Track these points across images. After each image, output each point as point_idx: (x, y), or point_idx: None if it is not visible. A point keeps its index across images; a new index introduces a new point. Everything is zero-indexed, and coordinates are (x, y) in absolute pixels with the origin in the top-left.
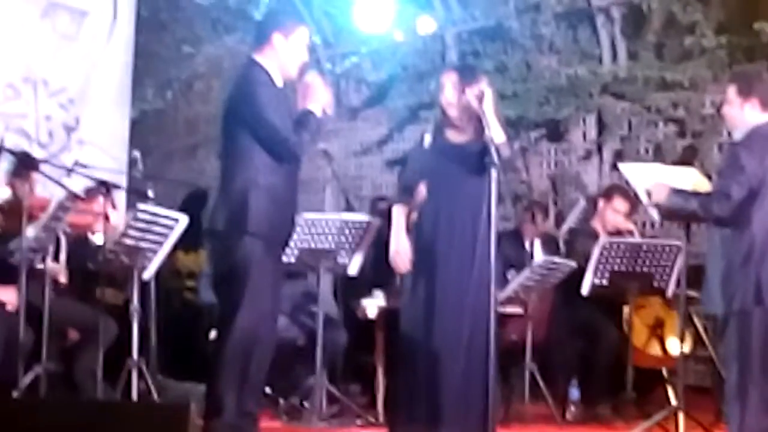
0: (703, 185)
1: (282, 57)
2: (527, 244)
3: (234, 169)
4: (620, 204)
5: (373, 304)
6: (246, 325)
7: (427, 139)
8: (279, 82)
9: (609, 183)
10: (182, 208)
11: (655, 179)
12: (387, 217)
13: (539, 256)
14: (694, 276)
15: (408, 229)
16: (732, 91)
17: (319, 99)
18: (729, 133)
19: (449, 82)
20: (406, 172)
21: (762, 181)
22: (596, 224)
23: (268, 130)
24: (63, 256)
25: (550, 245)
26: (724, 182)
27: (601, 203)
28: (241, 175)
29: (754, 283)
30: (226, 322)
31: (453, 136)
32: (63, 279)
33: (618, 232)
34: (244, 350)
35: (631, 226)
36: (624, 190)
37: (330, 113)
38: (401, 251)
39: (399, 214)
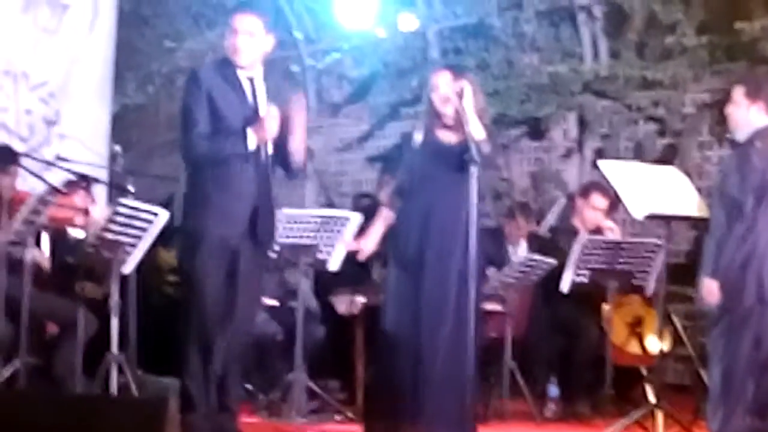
0: (683, 184)
1: (231, 49)
2: (511, 244)
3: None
4: (598, 201)
5: (346, 301)
6: (203, 321)
7: (418, 137)
8: (243, 75)
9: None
10: (165, 206)
11: (636, 178)
12: (369, 213)
13: (521, 253)
14: (675, 274)
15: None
16: (739, 92)
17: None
18: (710, 133)
19: (443, 79)
20: (400, 174)
21: (766, 181)
22: (576, 222)
23: (183, 124)
24: (45, 248)
25: (533, 243)
26: (738, 191)
27: (579, 201)
28: (196, 172)
29: (756, 282)
30: (187, 319)
31: (444, 136)
32: (46, 265)
33: (599, 230)
34: (205, 346)
35: (611, 224)
36: (602, 186)
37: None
38: (371, 240)
39: (383, 217)
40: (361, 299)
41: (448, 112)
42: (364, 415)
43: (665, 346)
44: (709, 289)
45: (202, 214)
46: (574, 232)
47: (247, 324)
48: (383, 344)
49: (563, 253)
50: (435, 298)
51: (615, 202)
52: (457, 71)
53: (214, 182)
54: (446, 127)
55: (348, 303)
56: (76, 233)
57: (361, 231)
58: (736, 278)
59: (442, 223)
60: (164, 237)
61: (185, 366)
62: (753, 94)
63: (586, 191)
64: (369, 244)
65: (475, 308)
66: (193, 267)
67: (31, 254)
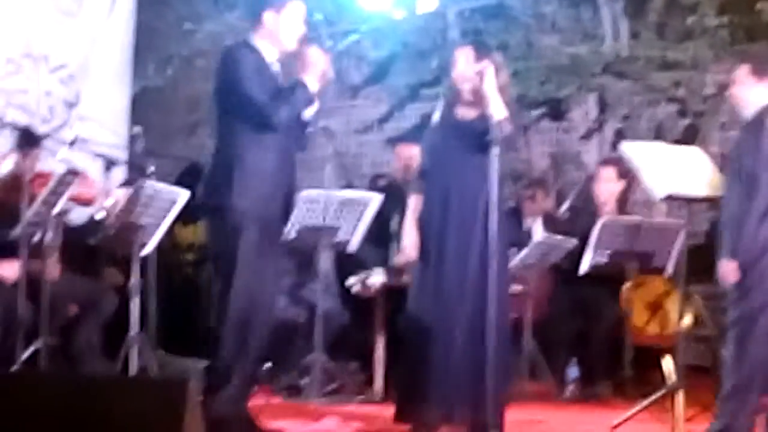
0: (706, 164)
1: (276, 33)
2: (527, 223)
3: (221, 145)
4: (606, 172)
5: (366, 281)
6: (239, 301)
7: (436, 116)
8: (272, 58)
9: None
10: (179, 182)
11: (657, 159)
12: (386, 193)
13: (540, 234)
14: (695, 255)
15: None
16: (744, 71)
17: (313, 70)
18: (732, 113)
19: (463, 56)
20: (422, 156)
21: None
22: (597, 198)
23: (244, 100)
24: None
25: (552, 224)
26: (754, 170)
27: (593, 180)
28: (227, 151)
29: None
30: (221, 299)
31: (463, 113)
32: (54, 275)
33: (621, 200)
34: (239, 327)
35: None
36: (611, 159)
37: (327, 82)
38: (410, 245)
39: (413, 206)
40: (376, 281)
41: (465, 87)
42: (396, 399)
43: (686, 326)
44: (728, 270)
45: (234, 193)
46: (595, 212)
47: (271, 305)
48: (405, 328)
49: (582, 234)
50: (455, 280)
51: (625, 171)
52: (481, 50)
53: (243, 160)
54: (466, 103)
55: (361, 284)
56: (95, 214)
57: (380, 213)
58: (757, 258)
59: (462, 203)
60: (183, 212)
61: (215, 347)
62: (760, 73)
63: (597, 170)
64: (409, 242)
65: (498, 290)
66: (227, 248)
67: (50, 236)
